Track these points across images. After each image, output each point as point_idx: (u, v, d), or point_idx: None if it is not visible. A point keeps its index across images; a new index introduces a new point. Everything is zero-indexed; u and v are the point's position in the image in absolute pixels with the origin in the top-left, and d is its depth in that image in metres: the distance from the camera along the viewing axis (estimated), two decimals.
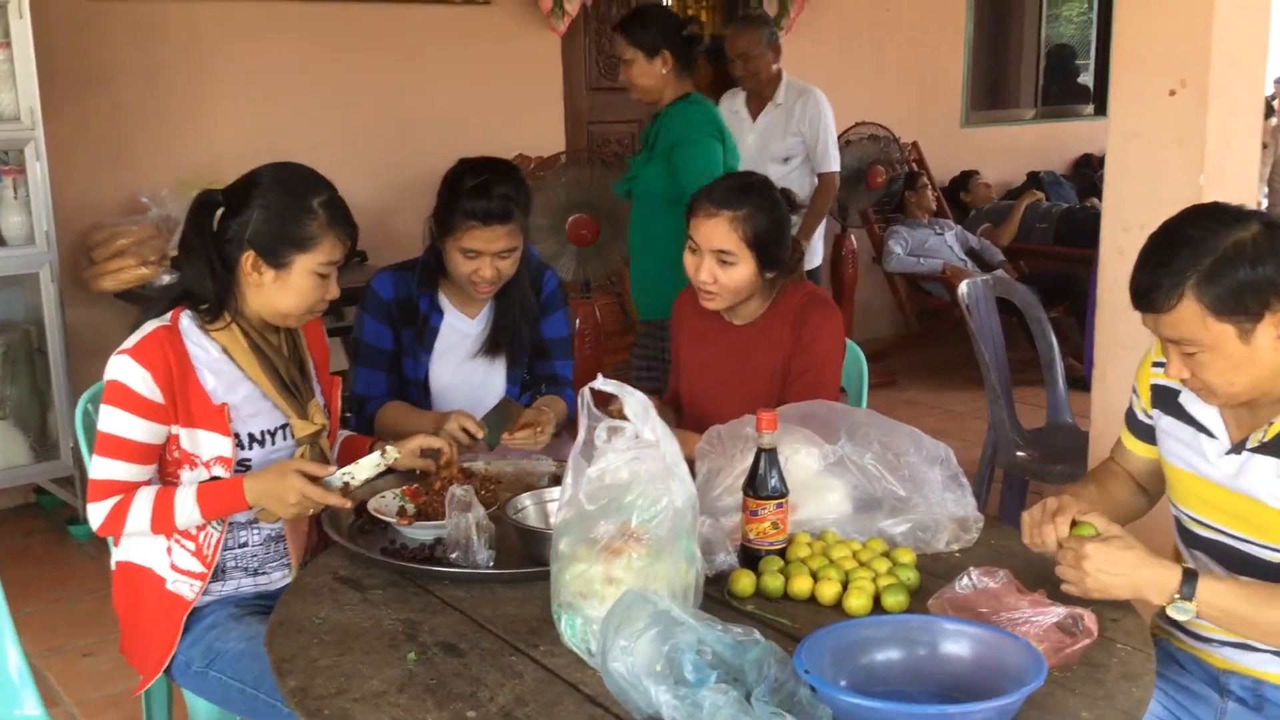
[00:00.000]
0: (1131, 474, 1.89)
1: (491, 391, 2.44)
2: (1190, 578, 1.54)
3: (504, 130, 4.92)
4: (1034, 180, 6.75)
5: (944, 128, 6.73)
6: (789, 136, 4.39)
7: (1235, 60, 2.25)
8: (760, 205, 2.14)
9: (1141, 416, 1.84)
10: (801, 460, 1.87)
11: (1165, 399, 1.79)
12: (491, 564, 1.71)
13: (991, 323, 3.33)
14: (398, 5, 4.72)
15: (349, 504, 1.84)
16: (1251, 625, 1.58)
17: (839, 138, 5.76)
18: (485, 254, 2.26)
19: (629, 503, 1.41)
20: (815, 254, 4.54)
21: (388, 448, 1.86)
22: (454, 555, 1.70)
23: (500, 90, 5.01)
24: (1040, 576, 1.69)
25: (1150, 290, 1.57)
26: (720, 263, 2.15)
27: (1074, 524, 1.62)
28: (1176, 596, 1.53)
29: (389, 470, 1.89)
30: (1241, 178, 2.34)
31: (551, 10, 5.02)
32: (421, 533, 1.82)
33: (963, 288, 3.30)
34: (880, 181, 5.65)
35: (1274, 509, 1.64)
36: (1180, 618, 1.55)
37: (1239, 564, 1.69)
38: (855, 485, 1.88)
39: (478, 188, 2.25)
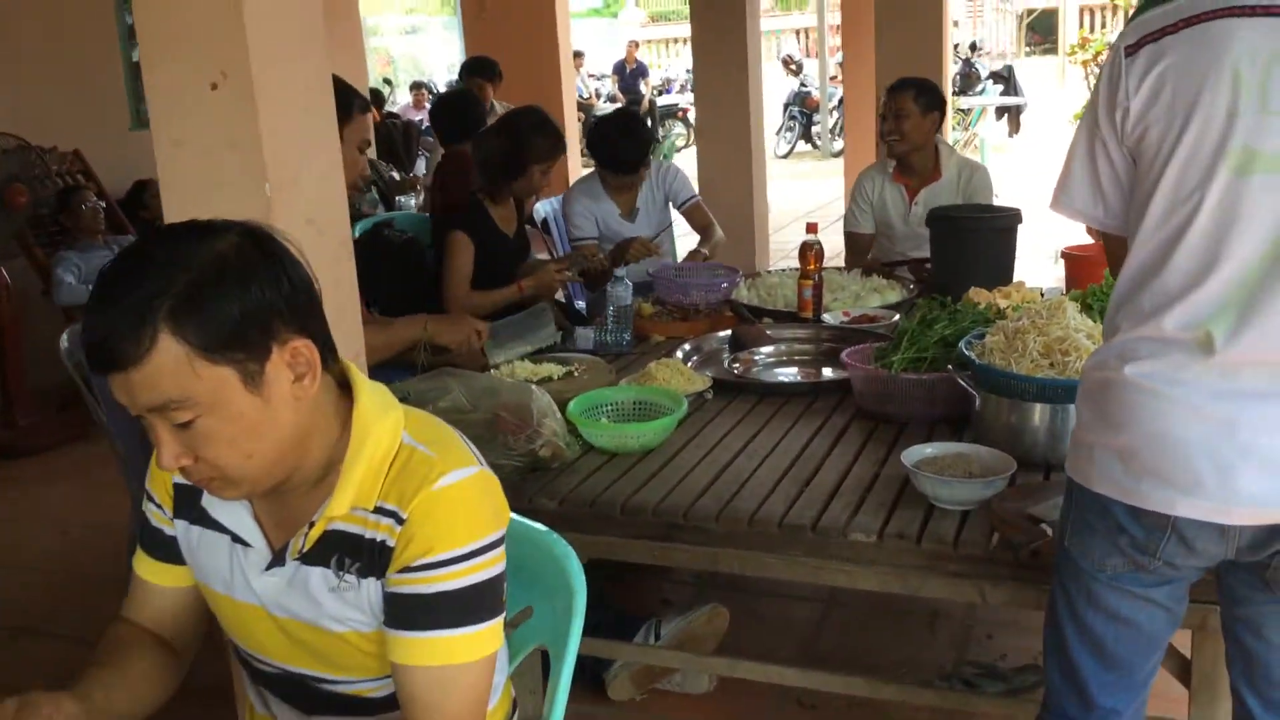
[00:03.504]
0: (152, 625, 1.39)
1: None
2: None
3: None
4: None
5: (112, 133, 5.90)
6: None
7: (279, 47, 1.86)
8: None
9: (165, 529, 1.37)
10: None
11: (188, 503, 1.34)
12: None
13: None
14: None
15: None
16: None
17: None
18: None
19: None
20: None
21: None
22: None
23: None
24: None
25: (109, 336, 1.10)
26: None
27: None
28: None
29: None
30: (321, 184, 1.99)
31: None
32: None
33: None
34: (24, 201, 4.73)
35: (334, 633, 1.26)
36: None
37: (321, 703, 1.31)
38: None
39: None
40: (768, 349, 3.06)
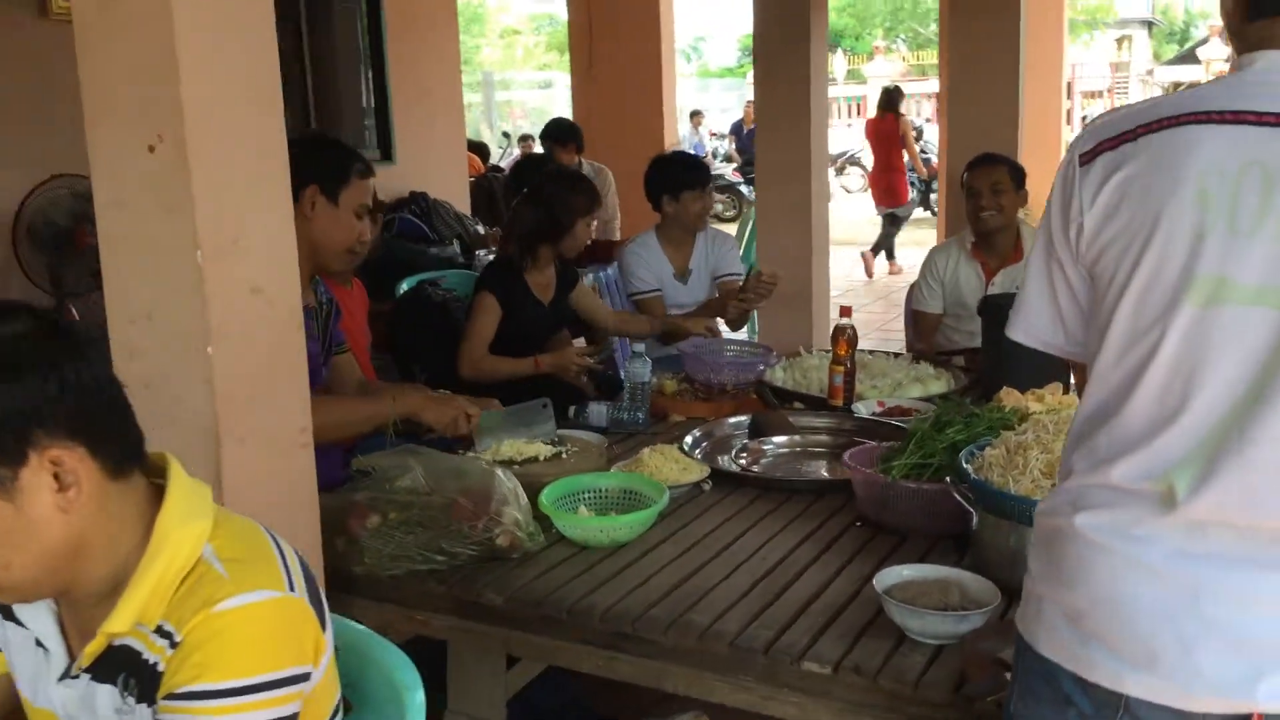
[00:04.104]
0: None
1: None
2: None
3: None
4: None
5: None
6: None
7: (219, 108, 1.79)
8: None
9: None
10: None
11: None
12: None
13: None
14: None
15: None
16: None
17: None
18: None
19: None
20: None
21: None
22: None
23: None
24: None
25: None
26: None
27: None
28: None
29: None
30: (270, 251, 1.90)
31: None
32: None
33: None
34: (93, 242, 4.84)
35: None
36: None
37: None
38: None
39: None
40: (783, 438, 2.86)
